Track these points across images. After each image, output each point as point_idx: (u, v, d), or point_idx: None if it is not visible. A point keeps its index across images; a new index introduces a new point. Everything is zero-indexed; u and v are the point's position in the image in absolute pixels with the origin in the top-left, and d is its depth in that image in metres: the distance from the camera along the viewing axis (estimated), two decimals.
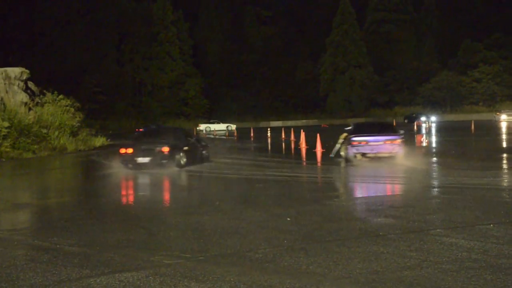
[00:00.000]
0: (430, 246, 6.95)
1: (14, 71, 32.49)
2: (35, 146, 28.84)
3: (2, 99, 30.32)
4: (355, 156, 19.40)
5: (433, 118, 65.08)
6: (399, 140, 18.84)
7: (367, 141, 19.28)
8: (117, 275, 6.11)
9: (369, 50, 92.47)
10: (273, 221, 9.03)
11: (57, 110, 33.67)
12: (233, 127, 66.07)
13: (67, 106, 34.92)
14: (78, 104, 36.64)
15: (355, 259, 6.48)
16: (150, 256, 6.89)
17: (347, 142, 20.07)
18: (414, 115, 69.04)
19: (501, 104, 77.00)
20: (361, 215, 9.38)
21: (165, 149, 18.82)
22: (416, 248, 6.89)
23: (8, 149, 26.73)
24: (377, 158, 19.28)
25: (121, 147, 19.83)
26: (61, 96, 35.07)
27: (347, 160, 19.59)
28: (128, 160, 19.03)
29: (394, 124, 32.43)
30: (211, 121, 72.92)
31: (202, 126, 67.24)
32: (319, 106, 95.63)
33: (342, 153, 20.70)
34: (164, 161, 18.82)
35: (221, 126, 67.48)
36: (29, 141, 28.59)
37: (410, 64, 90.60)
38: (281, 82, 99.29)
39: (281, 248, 7.16)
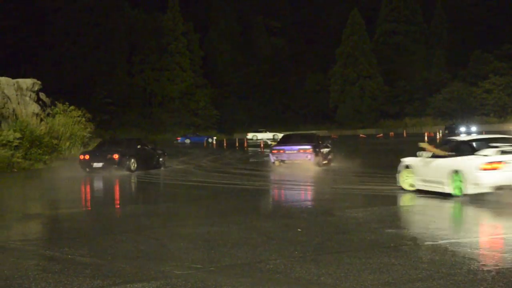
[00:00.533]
0: (442, 257, 6.91)
1: (26, 82, 32.72)
2: (47, 157, 28.99)
3: (14, 110, 30.50)
4: (273, 163, 23.33)
5: (474, 128, 61.46)
6: (310, 149, 22.13)
7: (284, 150, 23.24)
8: (128, 285, 6.11)
9: (379, 61, 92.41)
10: (283, 231, 9.02)
11: (68, 121, 33.82)
12: (279, 135, 66.19)
13: (78, 117, 35.06)
14: (89, 115, 36.79)
15: (366, 270, 6.45)
16: (161, 267, 6.89)
17: (270, 150, 24.38)
18: (454, 125, 65.49)
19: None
20: (371, 225, 9.34)
21: (115, 156, 22.61)
22: (428, 259, 6.86)
23: (20, 160, 26.88)
24: (294, 164, 22.61)
25: (80, 154, 24.16)
26: (72, 107, 35.24)
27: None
28: (86, 165, 22.93)
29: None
30: (259, 130, 73.75)
31: (250, 135, 68.86)
32: (329, 116, 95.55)
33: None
34: (115, 166, 22.63)
35: (268, 135, 68.44)
36: (41, 151, 28.73)
37: (420, 75, 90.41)
38: (291, 92, 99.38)
39: (292, 259, 7.14)
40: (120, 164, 22.67)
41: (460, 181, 11.69)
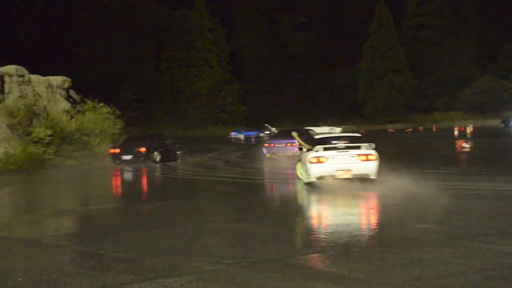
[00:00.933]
0: (475, 252, 6.84)
1: (56, 80, 33.14)
2: (77, 153, 29.38)
3: (45, 107, 30.93)
4: (265, 155, 26.26)
5: None
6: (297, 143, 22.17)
7: (274, 144, 26.36)
8: (160, 280, 6.17)
9: (407, 55, 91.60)
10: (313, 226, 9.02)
11: (98, 117, 34.20)
12: (336, 130, 65.86)
13: (107, 113, 35.42)
14: (118, 112, 37.13)
15: (398, 265, 6.42)
16: (192, 262, 6.94)
17: (262, 144, 27.68)
18: (509, 118, 62.63)
19: None
20: (402, 221, 9.28)
21: (143, 149, 25.73)
22: (461, 254, 6.79)
23: (51, 156, 27.28)
24: (283, 157, 25.02)
25: (110, 149, 26.95)
26: (101, 104, 35.60)
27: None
28: (116, 158, 25.90)
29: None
30: (318, 124, 73.69)
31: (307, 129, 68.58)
32: (357, 111, 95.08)
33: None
34: (142, 158, 25.70)
35: (324, 129, 68.24)
36: (71, 148, 29.12)
37: (450, 68, 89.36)
38: (318, 88, 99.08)
39: (323, 254, 7.14)
40: (146, 157, 25.65)
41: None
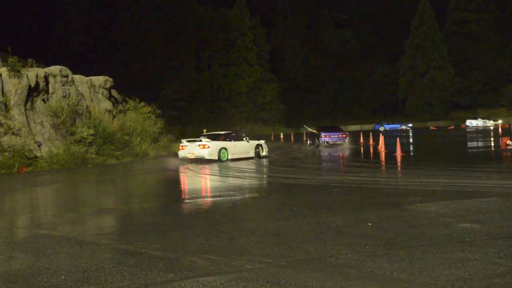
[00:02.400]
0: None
1: (98, 80, 33.62)
2: (119, 153, 29.72)
3: (87, 107, 31.41)
4: (322, 143, 36.50)
5: None
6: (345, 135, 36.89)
7: (329, 135, 36.65)
8: (200, 279, 6.19)
9: (450, 51, 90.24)
10: (354, 226, 8.93)
11: (139, 117, 34.58)
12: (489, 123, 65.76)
13: (148, 113, 35.79)
14: (158, 111, 37.47)
15: (441, 265, 6.31)
16: (232, 261, 6.95)
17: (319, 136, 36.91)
18: None
19: None
20: (444, 220, 9.13)
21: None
22: (506, 254, 6.65)
23: (93, 156, 27.68)
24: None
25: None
26: (142, 103, 35.99)
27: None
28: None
29: None
30: (479, 116, 73.47)
31: (467, 122, 70.38)
32: (398, 109, 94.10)
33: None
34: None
35: (488, 122, 68.06)
36: (113, 147, 29.48)
37: (494, 64, 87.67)
38: (359, 85, 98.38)
39: (363, 253, 7.07)
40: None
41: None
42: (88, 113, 31.04)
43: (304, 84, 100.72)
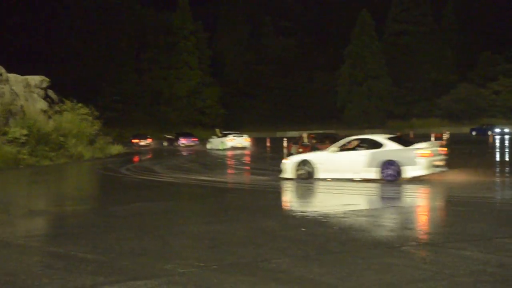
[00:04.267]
0: (445, 258, 6.88)
1: (34, 79, 32.87)
2: (53, 154, 29.12)
3: (22, 106, 30.65)
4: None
5: (507, 130, 60.32)
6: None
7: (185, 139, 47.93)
8: (131, 282, 6.13)
9: (388, 62, 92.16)
10: (287, 231, 9.02)
11: (76, 118, 33.99)
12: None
13: (85, 114, 35.22)
14: (96, 113, 36.91)
15: (369, 270, 6.44)
16: (164, 265, 6.90)
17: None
18: (484, 126, 63.38)
19: None
20: (375, 226, 9.32)
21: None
22: (431, 260, 6.84)
23: (25, 156, 27.01)
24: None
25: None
26: (80, 105, 35.39)
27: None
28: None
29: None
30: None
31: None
32: (337, 116, 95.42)
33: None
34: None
35: None
36: (47, 148, 28.86)
37: (429, 75, 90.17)
38: (299, 92, 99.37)
39: (295, 258, 7.14)
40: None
41: None
42: (22, 113, 30.28)
43: (245, 89, 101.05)
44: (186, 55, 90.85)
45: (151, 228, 9.58)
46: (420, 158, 15.43)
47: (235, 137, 43.47)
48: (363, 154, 16.34)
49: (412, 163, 15.46)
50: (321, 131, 34.80)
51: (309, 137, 22.87)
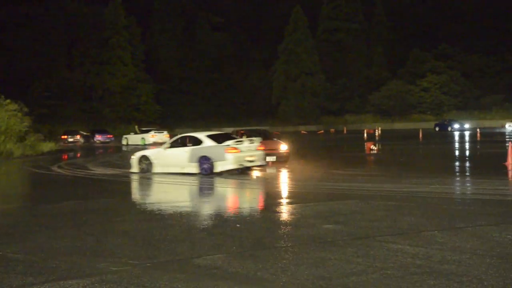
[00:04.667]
0: (376, 252, 7.04)
1: None
2: None
3: None
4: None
5: (466, 126, 61.07)
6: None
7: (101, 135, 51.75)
8: (61, 282, 6.01)
9: (321, 58, 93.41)
10: (223, 227, 9.03)
11: (4, 114, 32.99)
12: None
13: (14, 110, 34.22)
14: (26, 109, 35.91)
15: (303, 265, 6.52)
16: (97, 263, 6.80)
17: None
18: (446, 122, 64.10)
19: (448, 114, 78.76)
20: (309, 221, 9.44)
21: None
22: (363, 254, 6.98)
23: None
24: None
25: None
26: (8, 101, 34.37)
27: None
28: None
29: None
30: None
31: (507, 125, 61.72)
32: (272, 113, 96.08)
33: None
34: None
35: None
36: None
37: (361, 72, 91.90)
38: (234, 88, 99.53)
39: (230, 254, 7.16)
40: None
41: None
42: None
43: (180, 85, 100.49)
44: (119, 50, 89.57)
45: (83, 227, 9.41)
46: (229, 154, 17.25)
47: (156, 134, 45.25)
48: (186, 151, 18.13)
49: (222, 158, 17.33)
50: (254, 128, 35.60)
51: (238, 133, 23.09)
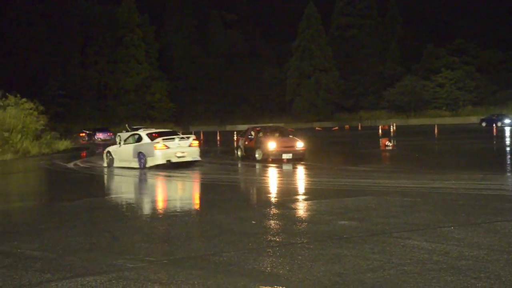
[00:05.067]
0: (392, 248, 7.02)
1: None
2: None
3: None
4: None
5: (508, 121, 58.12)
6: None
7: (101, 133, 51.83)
8: (79, 279, 6.04)
9: (335, 55, 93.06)
10: (239, 224, 9.04)
11: (20, 113, 33.26)
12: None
13: (30, 109, 34.50)
14: (41, 107, 36.19)
15: (319, 261, 6.51)
16: (113, 260, 6.83)
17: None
18: (494, 116, 60.75)
19: (463, 109, 78.13)
20: (325, 217, 9.42)
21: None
22: (379, 250, 6.96)
23: None
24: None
25: None
26: (24, 99, 34.64)
27: None
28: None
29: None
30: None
31: None
32: (286, 110, 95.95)
33: None
34: None
35: None
36: None
37: (375, 68, 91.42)
38: (247, 85, 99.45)
39: (246, 251, 7.16)
40: None
41: None
42: None
43: (194, 83, 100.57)
44: (133, 49, 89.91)
45: (100, 224, 9.46)
46: (157, 151, 19.18)
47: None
48: (131, 147, 20.15)
49: (152, 154, 19.31)
50: (270, 124, 35.71)
51: (254, 130, 23.13)
